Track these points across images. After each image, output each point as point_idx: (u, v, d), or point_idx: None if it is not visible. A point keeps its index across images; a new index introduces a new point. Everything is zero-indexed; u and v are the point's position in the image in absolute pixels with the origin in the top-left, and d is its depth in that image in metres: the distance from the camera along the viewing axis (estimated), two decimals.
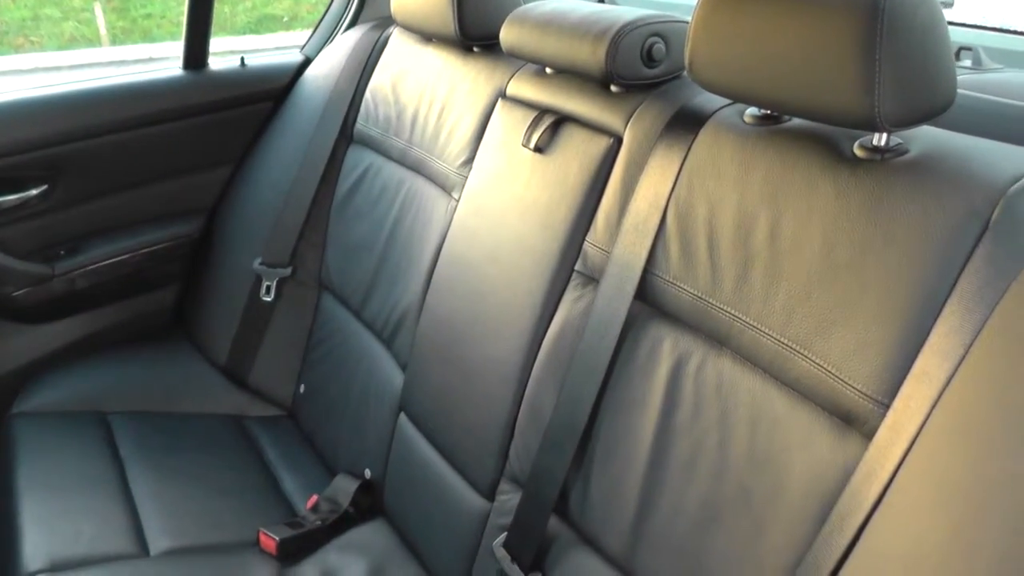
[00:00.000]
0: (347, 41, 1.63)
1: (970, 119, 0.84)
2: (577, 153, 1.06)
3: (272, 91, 1.70)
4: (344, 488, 1.31)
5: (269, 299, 1.58)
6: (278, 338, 1.60)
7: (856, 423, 0.73)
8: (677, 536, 0.86)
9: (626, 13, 1.05)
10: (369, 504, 1.32)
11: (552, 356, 1.02)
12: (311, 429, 1.52)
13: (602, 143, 1.04)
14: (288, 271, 1.58)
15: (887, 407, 0.70)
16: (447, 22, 1.30)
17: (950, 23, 0.76)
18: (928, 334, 0.69)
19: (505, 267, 1.11)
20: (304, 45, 1.76)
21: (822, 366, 0.75)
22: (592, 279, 1.01)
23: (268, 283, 1.58)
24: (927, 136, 0.78)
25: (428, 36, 1.44)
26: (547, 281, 1.05)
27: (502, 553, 1.02)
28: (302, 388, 1.57)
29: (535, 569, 0.99)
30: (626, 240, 0.96)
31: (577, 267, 1.03)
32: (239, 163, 1.71)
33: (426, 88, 1.40)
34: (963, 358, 0.66)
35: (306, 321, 1.60)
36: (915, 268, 0.71)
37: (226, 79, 1.66)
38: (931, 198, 0.72)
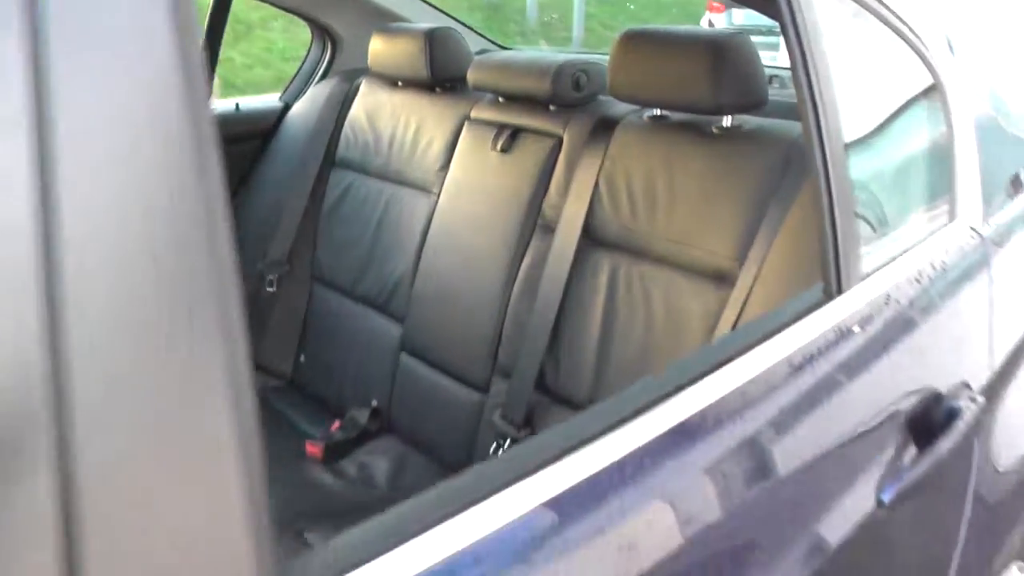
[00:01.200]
0: (323, 89, 2.09)
1: (772, 110, 1.41)
2: (531, 151, 1.58)
3: (261, 130, 2.12)
4: (358, 413, 1.73)
5: (272, 290, 1.98)
6: (278, 323, 2.00)
7: (726, 280, 1.25)
8: (622, 379, 1.35)
9: (559, 56, 1.59)
10: (377, 427, 1.74)
11: (525, 281, 1.52)
12: (315, 387, 1.92)
13: (548, 143, 1.56)
14: (286, 268, 1.99)
15: (741, 266, 1.23)
16: (419, 68, 1.79)
17: (768, 66, 1.32)
18: (759, 225, 1.23)
19: (484, 228, 1.60)
20: (283, 93, 2.20)
21: (704, 248, 1.28)
22: (550, 229, 1.51)
23: (270, 277, 1.98)
24: (753, 120, 1.34)
25: (396, 81, 1.92)
26: (516, 233, 1.55)
27: (498, 418, 1.48)
28: (302, 358, 1.97)
29: (526, 426, 1.46)
30: (571, 200, 1.47)
31: (539, 222, 1.54)
32: (237, 187, 2.12)
33: (399, 118, 1.88)
34: (774, 239, 1.20)
35: (302, 307, 2.01)
36: (751, 190, 1.26)
37: (224, 119, 2.08)
38: (756, 151, 1.28)
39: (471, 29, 2.20)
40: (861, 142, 1.02)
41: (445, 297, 1.65)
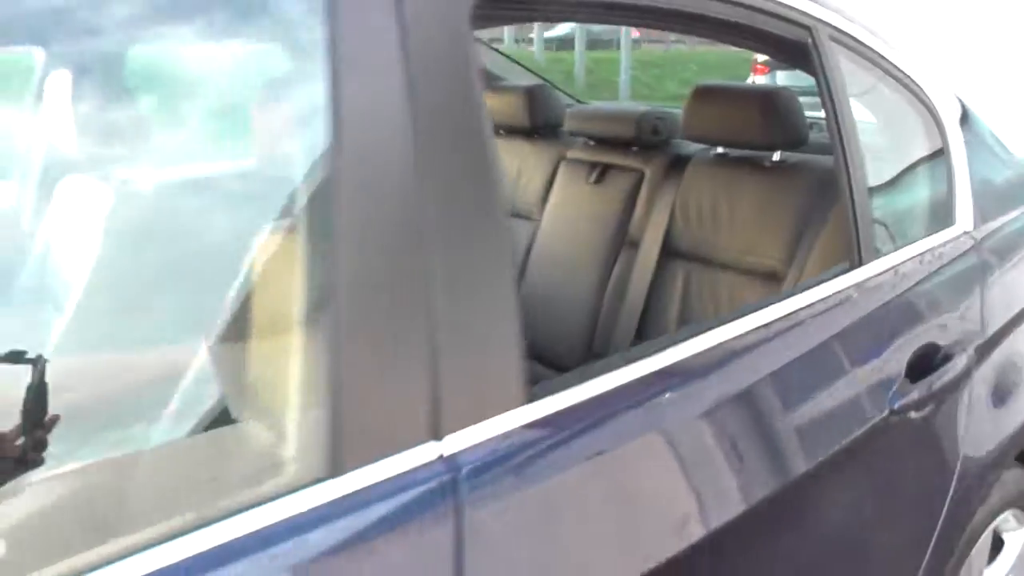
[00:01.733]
0: None
1: (811, 148, 1.77)
2: (619, 183, 1.97)
3: None
4: None
5: None
6: None
7: (776, 278, 1.61)
8: None
9: (640, 107, 1.99)
10: None
11: (615, 286, 1.89)
12: None
13: (633, 176, 1.95)
14: None
15: (788, 267, 1.59)
16: (521, 118, 2.21)
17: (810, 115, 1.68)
18: (803, 235, 1.59)
19: (580, 245, 1.99)
20: None
21: (759, 254, 1.65)
22: (635, 244, 1.89)
23: None
24: (796, 156, 1.72)
25: (499, 130, 2.34)
26: (607, 248, 1.93)
27: None
28: None
29: None
30: (652, 221, 1.86)
31: (626, 239, 1.92)
32: None
33: (503, 161, 2.29)
34: (814, 244, 1.56)
35: None
36: (795, 208, 1.62)
37: None
38: (799, 179, 1.65)
39: (554, 86, 2.62)
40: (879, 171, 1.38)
41: (547, 302, 2.03)
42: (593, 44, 16.38)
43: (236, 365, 0.78)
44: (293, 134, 0.80)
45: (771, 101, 1.63)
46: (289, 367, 0.72)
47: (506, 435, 0.75)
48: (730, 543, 0.92)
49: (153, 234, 0.86)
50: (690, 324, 1.47)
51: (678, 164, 1.87)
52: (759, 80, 9.40)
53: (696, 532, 0.88)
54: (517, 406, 0.77)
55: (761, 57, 9.80)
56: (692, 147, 1.91)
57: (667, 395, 0.90)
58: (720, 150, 1.83)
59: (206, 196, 0.92)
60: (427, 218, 0.71)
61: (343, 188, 0.68)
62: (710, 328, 0.99)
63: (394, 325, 0.69)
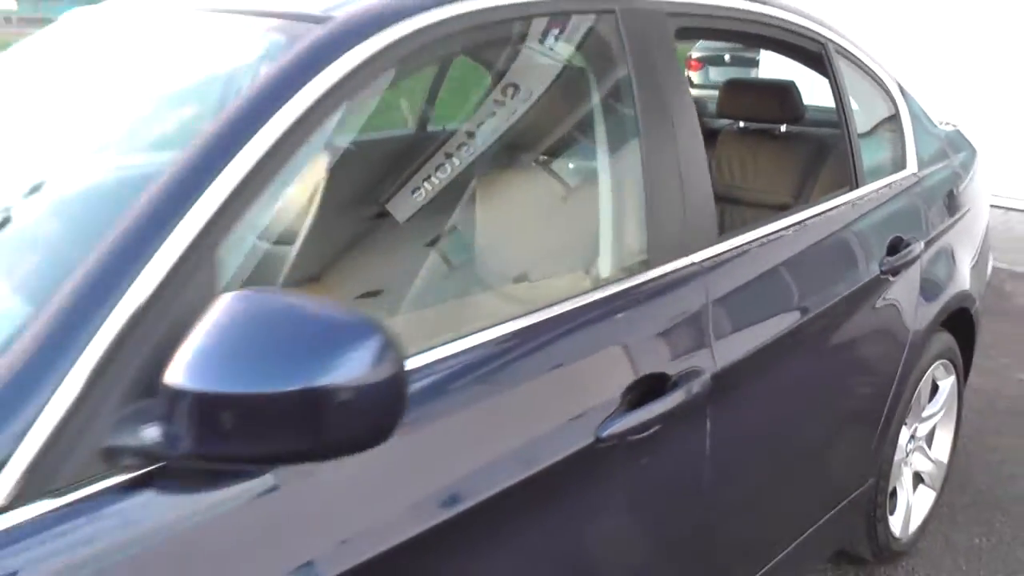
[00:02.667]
0: None
1: (807, 123, 2.56)
2: None
3: None
4: None
5: None
6: None
7: (786, 208, 2.39)
8: None
9: None
10: None
11: None
12: None
13: None
14: None
15: (795, 202, 2.37)
16: None
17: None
18: (805, 181, 2.38)
19: None
20: None
21: (775, 194, 2.42)
22: None
23: None
24: (796, 128, 2.50)
25: None
26: None
27: None
28: None
29: None
30: None
31: None
32: None
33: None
34: (813, 188, 2.35)
35: None
36: (799, 163, 2.41)
37: None
38: (801, 143, 2.44)
39: None
40: (864, 133, 2.18)
41: None
42: None
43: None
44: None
45: (780, 90, 2.41)
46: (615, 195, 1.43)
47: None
48: (768, 358, 1.62)
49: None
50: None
51: (711, 135, 2.64)
52: (693, 75, 10.85)
53: (742, 348, 1.56)
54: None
55: (696, 54, 11.49)
56: (720, 123, 2.68)
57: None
58: (742, 124, 2.60)
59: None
60: (649, 140, 1.42)
61: (642, 134, 1.40)
62: (765, 223, 1.72)
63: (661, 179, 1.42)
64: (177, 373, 0.79)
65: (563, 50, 1.49)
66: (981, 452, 2.99)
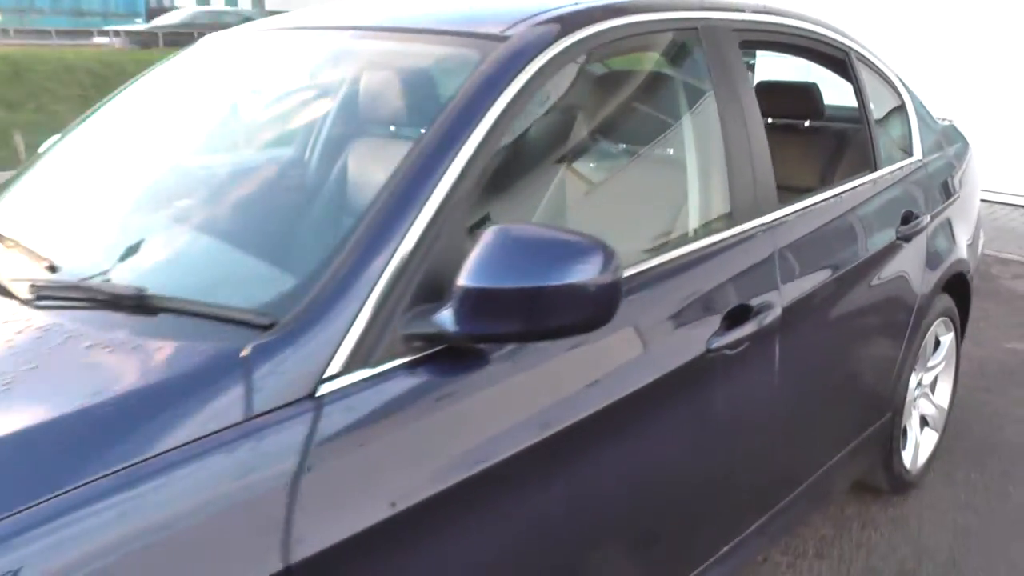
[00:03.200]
0: None
1: (828, 118, 2.97)
2: None
3: None
4: None
5: None
6: None
7: (813, 192, 2.81)
8: None
9: None
10: None
11: None
12: None
13: None
14: None
15: (819, 185, 2.79)
16: None
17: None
18: (828, 169, 2.79)
19: None
20: None
21: (803, 179, 2.84)
22: None
23: None
24: (819, 123, 2.92)
25: None
26: None
27: None
28: None
29: None
30: None
31: None
32: None
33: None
34: (835, 173, 2.77)
35: None
36: (823, 153, 2.82)
37: None
38: (824, 136, 2.86)
39: None
40: (879, 121, 2.60)
41: None
42: None
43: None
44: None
45: (805, 91, 2.82)
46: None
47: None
48: (818, 300, 2.05)
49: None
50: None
51: None
52: None
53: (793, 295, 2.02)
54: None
55: None
56: None
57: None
58: (770, 120, 3.01)
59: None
60: (727, 130, 1.82)
61: (723, 125, 1.81)
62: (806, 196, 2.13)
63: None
64: (463, 277, 1.18)
65: (664, 58, 1.89)
66: (975, 406, 3.42)
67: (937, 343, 2.87)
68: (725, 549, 1.82)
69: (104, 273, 1.35)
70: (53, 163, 1.90)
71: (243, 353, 1.09)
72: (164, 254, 1.43)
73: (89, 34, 25.42)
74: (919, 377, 2.75)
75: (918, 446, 2.81)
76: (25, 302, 1.26)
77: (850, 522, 2.65)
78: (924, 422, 2.87)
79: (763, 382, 1.80)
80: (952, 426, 3.09)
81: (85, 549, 0.90)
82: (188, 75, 1.96)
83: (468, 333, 1.19)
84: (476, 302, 1.17)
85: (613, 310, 1.20)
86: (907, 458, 2.73)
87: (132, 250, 1.43)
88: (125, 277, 1.35)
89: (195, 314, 1.20)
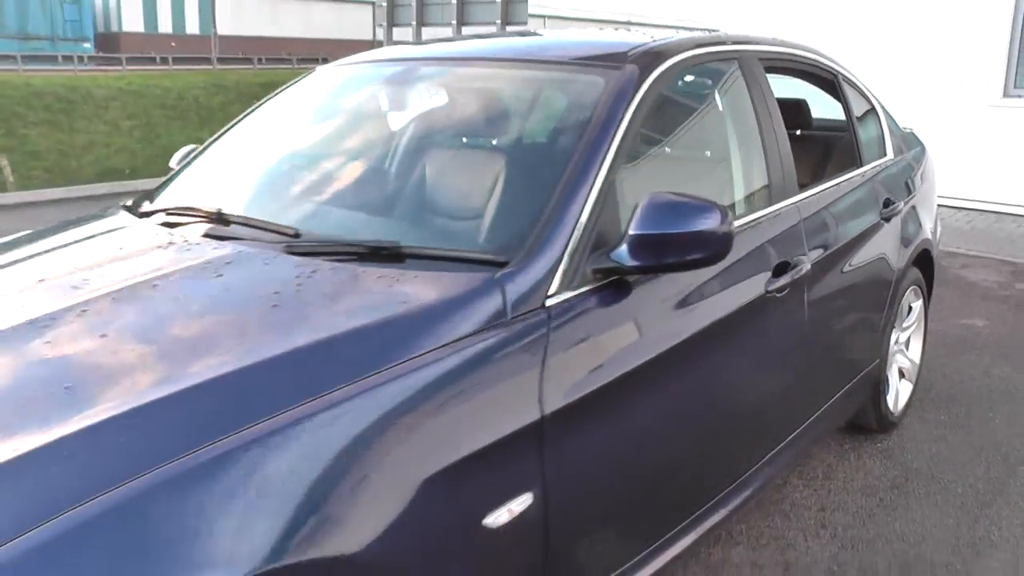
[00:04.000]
0: None
1: (816, 128, 3.61)
2: None
3: None
4: None
5: None
6: None
7: (805, 187, 3.44)
8: None
9: None
10: None
11: None
12: None
13: None
14: None
15: (811, 180, 3.43)
16: None
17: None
18: (820, 167, 3.43)
19: None
20: None
21: (801, 172, 3.47)
22: None
23: None
24: (808, 131, 3.56)
25: None
26: None
27: None
28: None
29: None
30: None
31: None
32: None
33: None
34: (826, 170, 3.41)
35: None
36: (810, 157, 3.45)
37: None
38: (815, 141, 3.49)
39: None
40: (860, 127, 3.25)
41: None
42: None
43: None
44: None
45: (795, 106, 3.45)
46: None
47: None
48: (832, 261, 2.69)
49: None
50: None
51: None
52: None
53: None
54: None
55: None
56: None
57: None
58: None
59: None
60: (762, 132, 2.44)
61: (761, 128, 2.42)
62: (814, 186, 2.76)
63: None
64: (632, 227, 1.73)
65: (719, 78, 2.50)
66: (938, 367, 4.09)
67: (910, 309, 3.52)
68: (763, 461, 2.40)
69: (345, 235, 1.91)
70: (231, 160, 2.44)
71: (496, 276, 1.64)
72: (407, 218, 1.98)
73: (54, 59, 25.37)
74: (897, 335, 3.39)
75: (898, 393, 3.44)
76: (304, 254, 1.78)
77: (848, 454, 3.27)
78: (901, 374, 3.51)
79: (796, 321, 2.40)
80: (921, 381, 3.74)
81: (409, 406, 1.41)
82: (374, 88, 2.55)
83: (635, 265, 1.75)
84: (641, 244, 1.73)
85: (728, 250, 1.77)
86: (891, 401, 3.36)
87: (372, 214, 1.98)
88: (371, 236, 1.89)
89: (444, 259, 1.74)
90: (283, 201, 2.18)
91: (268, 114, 2.66)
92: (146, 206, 2.30)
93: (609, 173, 1.86)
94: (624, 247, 1.74)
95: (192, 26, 47.85)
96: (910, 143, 3.69)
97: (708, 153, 2.49)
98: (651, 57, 2.13)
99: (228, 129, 2.70)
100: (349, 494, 1.28)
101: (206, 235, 1.94)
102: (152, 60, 26.75)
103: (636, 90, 2.01)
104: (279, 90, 2.82)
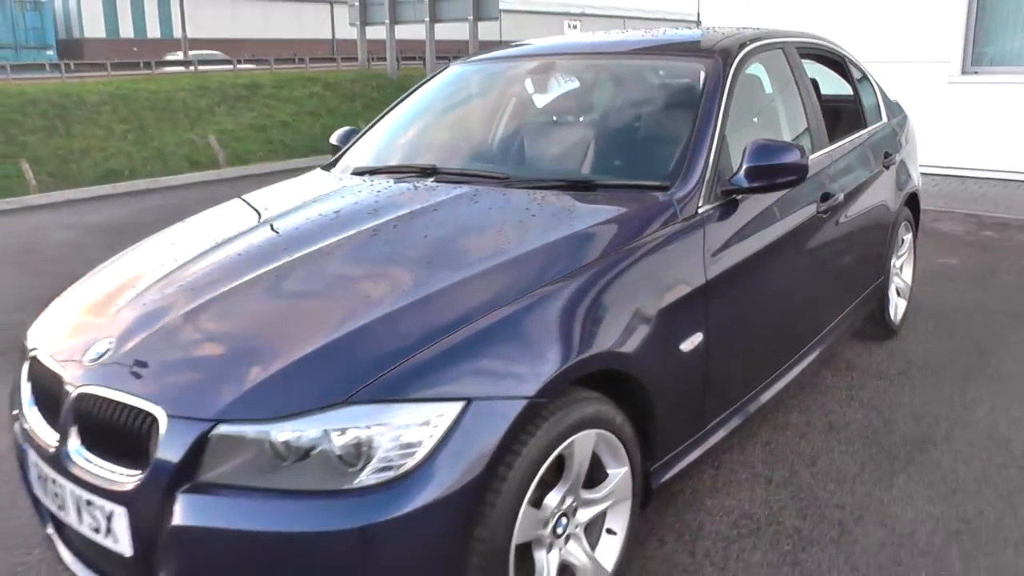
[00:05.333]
0: None
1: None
2: None
3: None
4: None
5: None
6: None
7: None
8: None
9: None
10: None
11: None
12: None
13: None
14: None
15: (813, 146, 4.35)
16: None
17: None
18: (831, 134, 4.35)
19: None
20: None
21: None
22: None
23: None
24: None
25: None
26: None
27: None
28: None
29: None
30: None
31: None
32: None
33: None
34: (832, 137, 4.33)
35: None
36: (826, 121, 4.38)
37: None
38: (824, 111, 4.42)
39: None
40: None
41: None
42: None
43: None
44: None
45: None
46: None
47: None
48: (852, 196, 3.60)
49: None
50: None
51: None
52: None
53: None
54: None
55: None
56: None
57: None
58: None
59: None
60: (804, 101, 3.34)
61: (803, 98, 3.32)
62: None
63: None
64: (746, 161, 2.58)
65: (776, 61, 3.38)
66: (923, 295, 5.05)
67: (902, 241, 4.45)
68: (822, 333, 3.31)
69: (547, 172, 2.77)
70: (409, 131, 3.30)
71: (663, 198, 2.51)
72: (588, 162, 2.84)
73: (42, 67, 25.52)
74: (894, 260, 4.32)
75: (896, 307, 4.38)
76: (524, 188, 2.63)
77: (862, 353, 4.20)
78: (898, 292, 4.45)
79: (833, 236, 3.31)
80: (912, 301, 4.69)
81: (633, 272, 2.26)
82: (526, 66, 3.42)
83: (750, 187, 2.62)
84: (752, 172, 2.60)
85: (806, 175, 2.65)
86: (892, 312, 4.30)
87: (558, 163, 2.85)
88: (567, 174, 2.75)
89: (624, 187, 2.60)
90: (482, 157, 3.03)
91: (422, 100, 3.49)
92: (355, 167, 3.13)
93: (720, 128, 2.73)
94: (741, 174, 2.61)
95: (153, 30, 47.80)
96: (895, 111, 4.63)
97: (771, 114, 3.38)
98: (730, 49, 3.01)
99: (388, 112, 3.53)
100: (610, 320, 2.13)
101: (436, 180, 2.78)
102: (135, 65, 26.94)
103: (726, 72, 2.89)
104: (423, 82, 3.66)
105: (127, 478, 1.84)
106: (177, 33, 46.60)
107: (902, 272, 4.51)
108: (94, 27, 45.19)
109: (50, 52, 40.45)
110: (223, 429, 1.75)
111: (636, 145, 2.87)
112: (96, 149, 15.14)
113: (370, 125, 3.52)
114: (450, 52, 20.60)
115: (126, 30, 46.50)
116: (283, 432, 1.73)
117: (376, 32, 24.26)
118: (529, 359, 1.90)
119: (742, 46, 3.05)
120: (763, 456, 3.16)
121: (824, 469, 3.05)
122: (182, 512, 1.76)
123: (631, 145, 2.89)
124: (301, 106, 18.64)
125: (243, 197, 3.13)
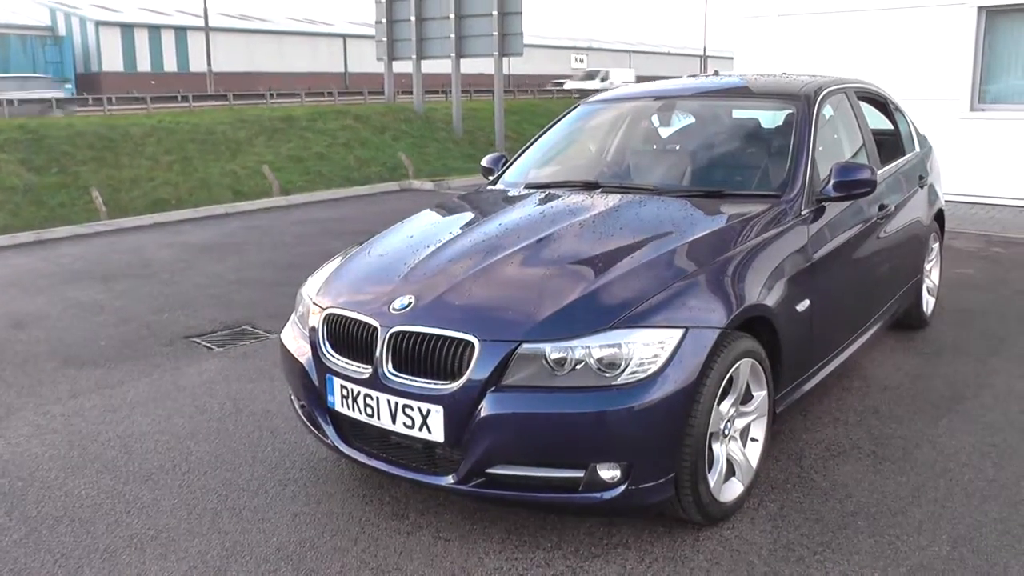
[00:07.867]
0: None
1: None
2: None
3: None
4: None
5: None
6: None
7: None
8: None
9: None
10: None
11: None
12: None
13: None
14: None
15: None
16: None
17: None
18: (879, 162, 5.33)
19: None
20: None
21: None
22: None
23: None
24: None
25: None
26: None
27: None
28: None
29: None
30: None
31: None
32: None
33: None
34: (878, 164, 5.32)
35: None
36: None
37: None
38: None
39: None
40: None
41: None
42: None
43: None
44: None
45: None
46: None
47: None
48: (897, 209, 4.57)
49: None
50: None
51: None
52: None
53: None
54: None
55: None
56: None
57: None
58: None
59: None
60: (863, 131, 4.34)
61: (862, 129, 4.32)
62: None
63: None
64: (832, 177, 3.58)
65: (843, 103, 4.36)
66: (946, 296, 6.02)
67: (932, 249, 5.42)
68: (879, 312, 4.27)
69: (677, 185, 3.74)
70: (557, 156, 4.29)
71: (784, 199, 3.49)
72: (715, 177, 3.83)
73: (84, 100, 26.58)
74: (926, 264, 5.29)
75: (928, 302, 5.34)
76: (672, 197, 3.61)
77: (902, 339, 5.15)
78: (928, 291, 5.41)
79: (886, 238, 4.27)
80: (939, 300, 5.65)
81: (770, 251, 3.23)
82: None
83: (836, 196, 3.59)
84: (838, 184, 3.57)
85: (875, 188, 3.62)
86: (925, 306, 5.26)
87: (694, 180, 3.83)
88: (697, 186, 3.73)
89: (745, 196, 3.58)
90: (630, 174, 4.02)
91: (559, 132, 4.48)
92: (526, 182, 4.10)
93: (812, 152, 3.71)
94: (830, 186, 3.59)
95: (170, 64, 49.01)
96: (923, 143, 5.63)
97: (843, 144, 4.36)
98: (812, 94, 4.00)
99: (533, 142, 4.52)
100: (761, 282, 3.08)
101: (600, 192, 3.75)
102: (177, 99, 27.99)
103: (811, 110, 3.88)
104: (558, 118, 4.66)
105: (443, 386, 2.75)
106: (193, 68, 48.01)
107: (931, 274, 5.47)
108: (112, 61, 46.33)
109: (68, 85, 41.65)
110: (524, 348, 2.68)
111: (750, 165, 3.86)
112: (144, 179, 15.89)
113: (520, 152, 4.50)
114: (467, 85, 21.57)
115: (143, 65, 47.63)
116: (561, 351, 2.65)
117: (400, 66, 25.18)
118: (720, 304, 2.86)
119: (819, 90, 4.04)
120: (838, 407, 4.10)
121: (886, 415, 3.99)
122: (491, 405, 2.67)
123: (746, 165, 3.87)
124: (335, 138, 19.63)
125: (434, 208, 4.08)
